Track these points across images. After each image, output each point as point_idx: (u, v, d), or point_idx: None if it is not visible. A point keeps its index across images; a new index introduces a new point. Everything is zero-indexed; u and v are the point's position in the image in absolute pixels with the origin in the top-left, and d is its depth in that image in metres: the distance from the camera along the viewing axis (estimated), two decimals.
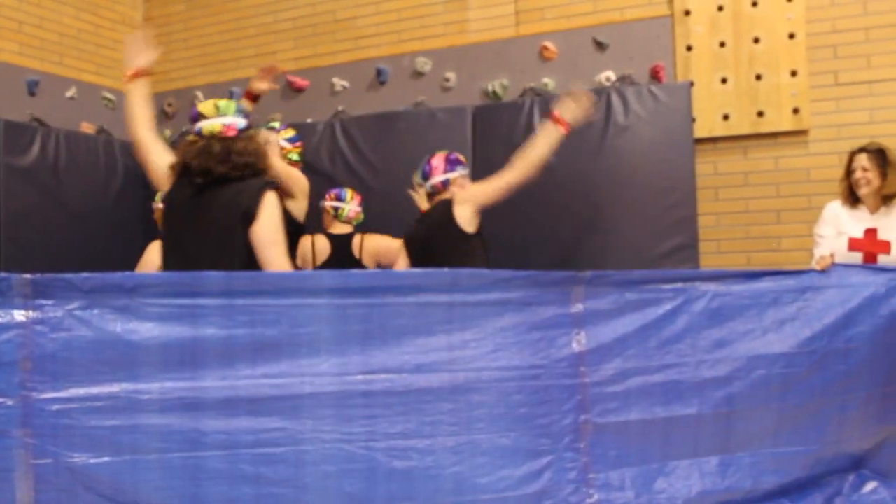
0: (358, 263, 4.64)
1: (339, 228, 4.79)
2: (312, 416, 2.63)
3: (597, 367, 2.97)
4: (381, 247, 4.67)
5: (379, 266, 4.61)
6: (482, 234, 3.80)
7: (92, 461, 2.45)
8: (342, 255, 4.68)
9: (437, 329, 2.78)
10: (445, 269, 2.85)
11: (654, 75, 5.38)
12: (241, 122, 3.18)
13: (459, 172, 3.91)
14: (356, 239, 4.75)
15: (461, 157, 4.00)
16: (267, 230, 2.93)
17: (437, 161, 3.91)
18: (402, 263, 3.89)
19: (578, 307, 3.00)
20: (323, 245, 4.71)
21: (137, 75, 3.42)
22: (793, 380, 3.22)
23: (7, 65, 6.06)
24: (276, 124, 4.56)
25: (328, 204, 4.82)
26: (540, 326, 2.92)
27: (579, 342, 2.96)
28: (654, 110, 5.13)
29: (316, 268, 4.60)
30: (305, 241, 4.60)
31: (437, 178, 3.88)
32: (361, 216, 4.90)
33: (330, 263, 4.59)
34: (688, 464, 3.10)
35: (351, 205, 4.84)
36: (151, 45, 3.44)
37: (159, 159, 3.27)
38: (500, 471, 2.78)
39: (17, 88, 6.12)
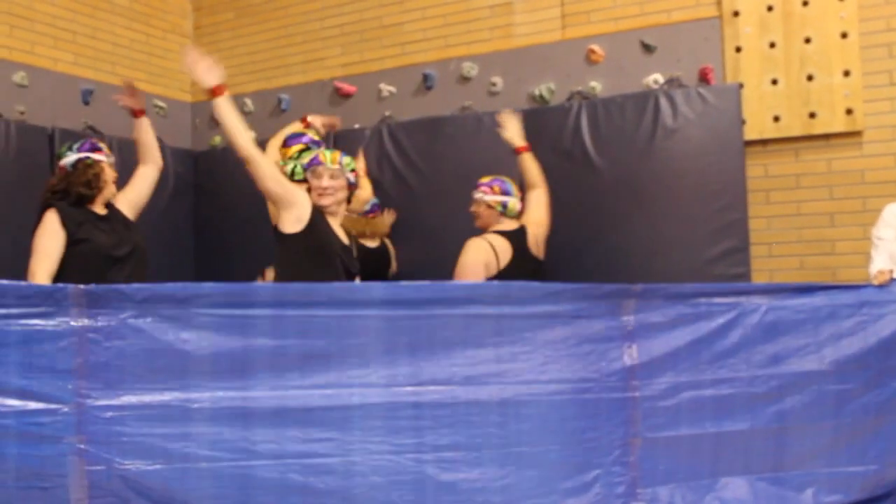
0: (538, 262, 4.29)
1: (509, 224, 4.31)
2: (361, 427, 2.64)
3: (648, 381, 2.93)
4: (540, 220, 4.45)
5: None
6: None
7: (144, 468, 2.49)
8: (523, 253, 4.21)
9: (486, 341, 2.78)
10: (495, 282, 2.85)
11: (703, 77, 5.31)
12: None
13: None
14: (530, 232, 4.34)
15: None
16: None
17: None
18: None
19: (629, 320, 2.97)
20: (503, 246, 4.15)
21: (221, 89, 3.60)
22: (848, 396, 3.15)
23: (62, 74, 6.19)
24: (314, 134, 4.52)
25: (492, 199, 4.31)
26: (590, 339, 2.89)
27: (630, 356, 2.93)
28: (703, 113, 5.07)
29: (501, 271, 4.03)
30: (481, 245, 4.12)
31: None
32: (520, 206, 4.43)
33: (513, 265, 4.08)
34: (739, 481, 3.05)
35: (516, 197, 4.38)
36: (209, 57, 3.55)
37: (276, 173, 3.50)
38: (547, 484, 2.77)
39: (72, 97, 6.24)
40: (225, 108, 3.51)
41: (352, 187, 3.70)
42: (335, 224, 3.55)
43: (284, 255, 3.41)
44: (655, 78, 5.43)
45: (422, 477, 2.65)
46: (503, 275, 3.95)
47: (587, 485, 2.83)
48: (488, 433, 2.73)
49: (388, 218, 5.43)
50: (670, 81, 5.36)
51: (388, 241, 5.36)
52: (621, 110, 5.25)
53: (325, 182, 3.54)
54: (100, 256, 3.62)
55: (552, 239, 4.68)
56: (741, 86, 5.10)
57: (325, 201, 3.52)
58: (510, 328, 2.81)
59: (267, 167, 3.42)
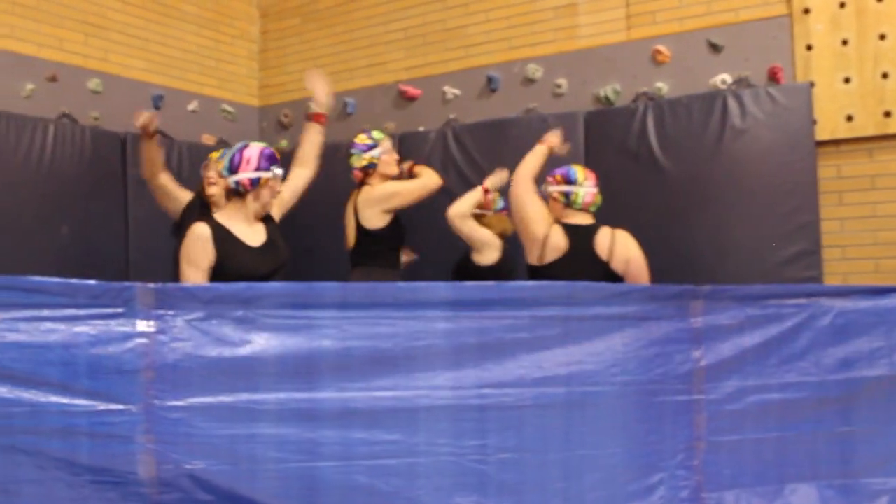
0: (603, 264, 3.84)
1: (576, 218, 3.98)
2: (427, 430, 2.63)
3: (715, 384, 2.87)
4: (635, 255, 3.91)
5: (627, 276, 3.88)
6: None
7: (211, 468, 2.51)
8: (582, 251, 3.87)
9: (552, 343, 2.75)
10: (561, 283, 2.81)
11: (772, 76, 5.20)
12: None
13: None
14: (602, 233, 3.93)
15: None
16: None
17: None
18: (644, 278, 3.91)
19: (697, 322, 2.91)
20: (558, 238, 3.89)
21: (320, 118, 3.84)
22: None
23: (134, 81, 6.33)
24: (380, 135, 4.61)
25: (554, 189, 4.03)
26: (657, 341, 2.84)
27: (698, 358, 2.88)
28: (773, 112, 4.96)
29: (549, 264, 3.87)
30: (541, 228, 3.91)
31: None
32: (599, 199, 4.07)
33: (566, 261, 3.84)
34: (807, 488, 2.97)
35: (585, 186, 3.99)
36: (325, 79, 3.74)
37: None
38: (611, 487, 2.73)
39: (144, 103, 6.36)
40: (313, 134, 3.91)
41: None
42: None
43: None
44: (723, 78, 5.33)
45: (485, 479, 2.64)
46: (546, 271, 3.80)
47: (651, 488, 2.78)
48: (553, 436, 2.71)
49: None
50: (738, 81, 5.26)
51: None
52: (688, 111, 5.17)
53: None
54: None
55: None
56: (812, 85, 4.97)
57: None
58: (577, 330, 2.78)
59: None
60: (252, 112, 7.30)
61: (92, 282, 2.58)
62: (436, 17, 6.44)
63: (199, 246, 3.26)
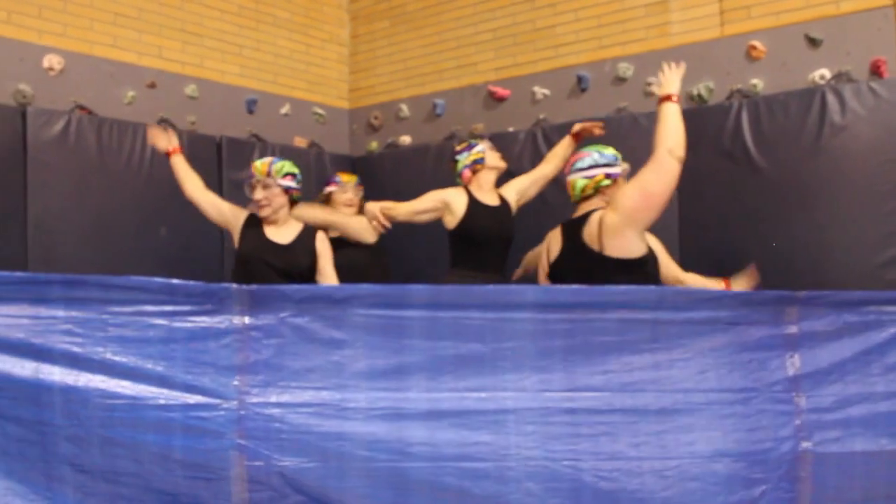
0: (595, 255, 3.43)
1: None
2: (516, 432, 2.59)
3: (814, 393, 2.76)
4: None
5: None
6: None
7: (301, 465, 2.54)
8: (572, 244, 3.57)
9: (642, 347, 2.68)
10: (651, 286, 2.75)
11: (875, 70, 5.00)
12: None
13: None
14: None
15: None
16: None
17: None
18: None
19: (792, 328, 2.80)
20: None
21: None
22: None
23: (229, 86, 6.48)
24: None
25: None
26: (751, 347, 2.74)
27: (794, 365, 2.77)
28: (875, 108, 4.78)
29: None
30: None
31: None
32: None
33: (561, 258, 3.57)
34: None
35: (587, 175, 3.52)
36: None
37: None
38: (712, 498, 2.62)
39: (238, 107, 6.52)
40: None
41: (290, 191, 4.07)
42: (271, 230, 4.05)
43: None
44: (822, 73, 5.15)
45: (579, 485, 2.58)
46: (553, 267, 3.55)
47: (754, 500, 2.67)
48: (647, 442, 2.63)
49: None
50: (838, 76, 5.08)
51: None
52: (785, 108, 5.03)
53: (259, 194, 4.00)
54: None
55: (709, 243, 4.51)
56: None
57: (261, 213, 4.03)
58: (667, 334, 2.71)
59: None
60: (342, 114, 7.40)
61: (190, 282, 2.65)
62: (525, 18, 6.41)
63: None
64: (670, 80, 3.31)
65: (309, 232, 4.13)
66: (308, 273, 4.02)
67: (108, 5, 5.78)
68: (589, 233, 3.28)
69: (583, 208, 3.47)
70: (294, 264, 3.97)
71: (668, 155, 3.11)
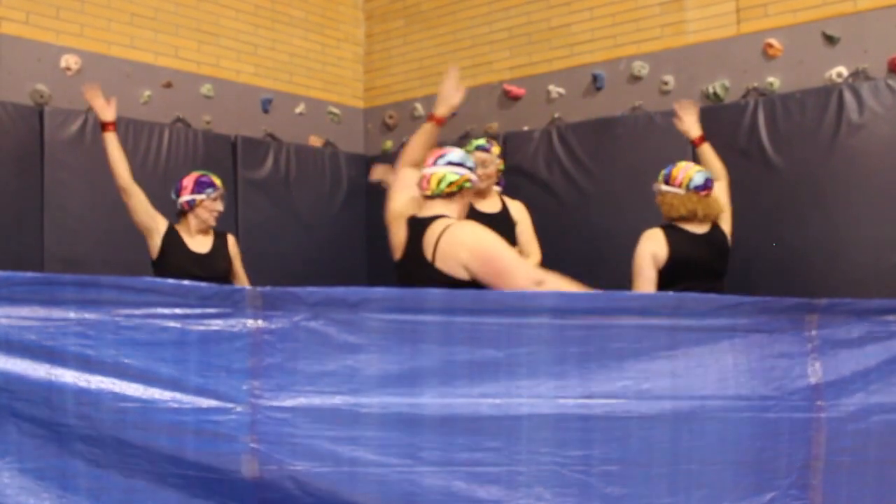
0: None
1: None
2: (528, 438, 2.58)
3: (835, 402, 2.73)
4: None
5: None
6: None
7: (313, 470, 2.53)
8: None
9: (659, 354, 2.66)
10: (670, 293, 2.73)
11: (893, 68, 4.95)
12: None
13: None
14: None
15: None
16: None
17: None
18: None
19: (813, 336, 2.78)
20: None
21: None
22: None
23: (245, 85, 6.50)
24: (483, 141, 4.52)
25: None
26: (770, 355, 2.71)
27: (814, 374, 2.74)
28: (893, 106, 4.75)
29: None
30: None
31: None
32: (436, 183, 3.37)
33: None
34: None
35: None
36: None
37: None
38: None
39: (253, 106, 6.54)
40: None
41: None
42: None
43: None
44: (839, 71, 5.11)
45: (588, 491, 2.57)
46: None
47: None
48: (659, 449, 2.61)
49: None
50: (856, 74, 5.04)
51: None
52: (801, 106, 5.00)
53: (220, 206, 4.34)
54: None
55: None
56: None
57: (210, 223, 4.31)
58: (685, 341, 2.68)
59: None
60: (357, 114, 7.40)
61: (203, 284, 2.64)
62: (540, 16, 6.39)
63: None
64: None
65: (222, 238, 4.42)
66: (224, 277, 4.30)
67: (125, 6, 5.81)
68: (427, 239, 3.14)
69: (431, 207, 3.25)
70: (215, 270, 4.19)
71: (536, 284, 2.94)
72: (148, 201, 4.24)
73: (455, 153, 3.31)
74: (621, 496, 2.59)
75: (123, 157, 4.23)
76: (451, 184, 3.21)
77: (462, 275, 3.05)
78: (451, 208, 3.22)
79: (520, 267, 3.09)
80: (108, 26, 5.72)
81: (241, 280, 4.43)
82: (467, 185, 3.26)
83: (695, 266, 3.93)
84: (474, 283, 3.02)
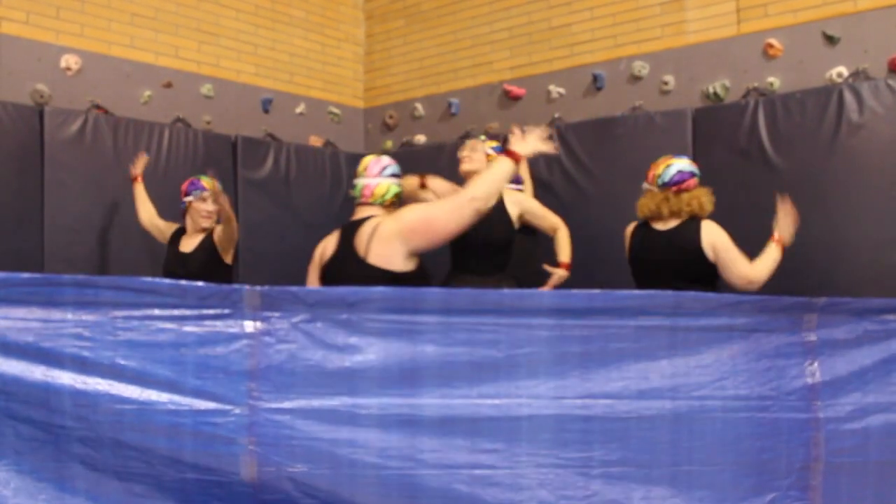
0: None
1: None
2: (529, 440, 2.56)
3: (832, 402, 2.72)
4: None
5: None
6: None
7: (312, 472, 2.52)
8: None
9: (658, 354, 2.65)
10: (669, 292, 2.72)
11: (893, 68, 4.94)
12: None
13: None
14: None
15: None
16: None
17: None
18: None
19: (811, 336, 2.76)
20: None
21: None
22: None
23: (245, 85, 6.50)
24: (483, 137, 4.60)
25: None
26: (769, 355, 2.71)
27: (812, 374, 2.73)
28: (894, 106, 4.73)
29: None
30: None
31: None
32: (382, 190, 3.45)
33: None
34: None
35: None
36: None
37: None
38: None
39: (253, 106, 6.54)
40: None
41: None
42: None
43: None
44: (839, 71, 5.11)
45: (588, 492, 2.56)
46: None
47: None
48: (659, 449, 2.61)
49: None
50: (856, 74, 5.03)
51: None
52: (801, 106, 4.99)
53: (211, 206, 4.53)
54: None
55: None
56: None
57: (204, 223, 4.55)
58: (684, 341, 2.67)
59: None
60: (357, 114, 7.40)
61: (200, 283, 2.62)
62: (540, 16, 6.39)
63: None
64: (527, 142, 3.18)
65: (209, 235, 4.58)
66: (205, 273, 4.32)
67: (125, 6, 5.81)
68: (360, 237, 3.25)
69: (365, 212, 3.38)
70: (189, 267, 4.41)
71: (469, 201, 3.02)
72: (160, 224, 4.88)
73: (394, 165, 3.48)
74: (622, 497, 2.58)
75: (144, 203, 5.00)
76: (395, 195, 3.42)
77: (398, 266, 3.16)
78: (377, 211, 3.38)
79: (443, 203, 3.20)
80: (108, 26, 5.72)
81: (231, 236, 4.50)
82: (400, 195, 3.48)
83: (645, 264, 4.03)
84: (405, 277, 3.15)
